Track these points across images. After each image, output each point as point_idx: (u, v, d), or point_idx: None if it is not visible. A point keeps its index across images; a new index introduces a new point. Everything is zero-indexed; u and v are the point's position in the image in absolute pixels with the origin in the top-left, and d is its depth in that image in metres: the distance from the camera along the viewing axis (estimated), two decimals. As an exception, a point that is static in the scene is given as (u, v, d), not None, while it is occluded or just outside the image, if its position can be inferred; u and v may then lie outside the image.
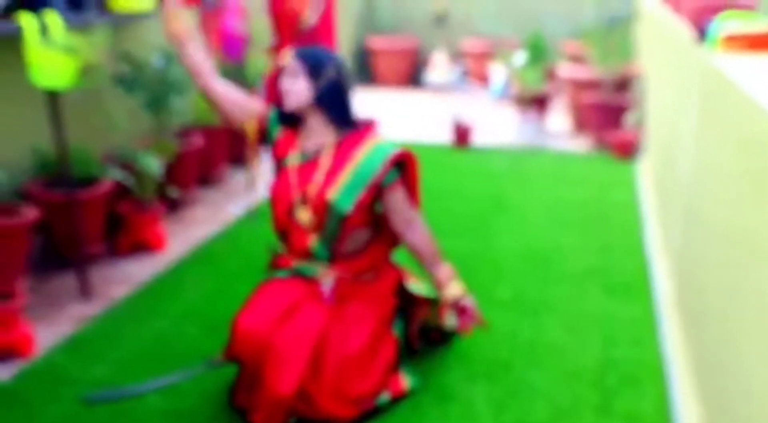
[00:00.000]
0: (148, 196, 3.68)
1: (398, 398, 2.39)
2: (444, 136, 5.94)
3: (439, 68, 8.03)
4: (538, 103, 6.19)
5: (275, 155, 2.49)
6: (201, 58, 2.46)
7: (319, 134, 2.41)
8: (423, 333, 2.67)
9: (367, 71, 8.50)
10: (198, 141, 4.33)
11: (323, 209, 2.35)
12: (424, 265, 2.45)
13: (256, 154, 2.58)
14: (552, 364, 2.63)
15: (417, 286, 2.60)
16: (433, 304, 2.60)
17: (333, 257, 2.41)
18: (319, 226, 2.38)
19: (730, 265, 1.85)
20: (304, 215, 2.38)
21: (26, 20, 2.73)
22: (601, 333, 2.84)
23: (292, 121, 2.46)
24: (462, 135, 5.70)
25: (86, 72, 2.95)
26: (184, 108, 4.23)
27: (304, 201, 2.37)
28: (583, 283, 3.28)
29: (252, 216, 2.65)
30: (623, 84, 5.82)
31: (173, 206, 4.15)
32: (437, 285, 2.44)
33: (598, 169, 5.11)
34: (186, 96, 4.11)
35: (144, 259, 3.57)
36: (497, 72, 7.36)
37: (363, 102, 7.40)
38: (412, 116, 6.87)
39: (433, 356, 2.66)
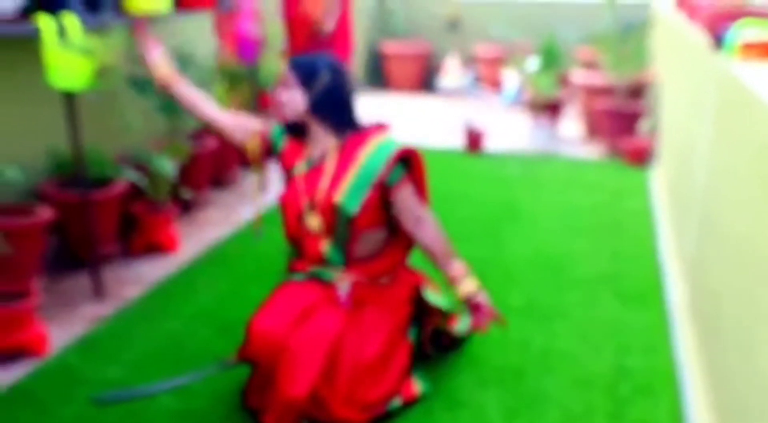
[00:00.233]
0: (162, 198, 3.69)
1: (409, 403, 2.39)
2: (456, 141, 5.93)
3: (452, 73, 8.03)
4: (550, 109, 6.18)
5: (283, 166, 2.50)
6: (192, 92, 2.55)
7: (323, 140, 2.42)
8: (434, 338, 2.66)
9: (380, 76, 8.52)
10: (211, 143, 4.35)
11: (331, 213, 2.35)
12: (437, 263, 2.42)
13: (260, 167, 2.59)
14: (564, 371, 2.61)
15: (434, 295, 2.58)
16: (445, 313, 2.59)
17: (347, 261, 2.41)
18: (329, 231, 2.38)
19: (747, 272, 1.84)
20: (314, 221, 2.39)
21: (44, 22, 2.75)
22: (614, 340, 2.83)
23: (299, 131, 2.47)
24: (474, 140, 5.69)
25: (102, 74, 2.96)
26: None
27: (313, 207, 2.38)
28: (595, 290, 3.26)
29: (257, 233, 2.67)
30: (637, 90, 5.80)
31: (186, 208, 4.17)
32: (450, 282, 2.41)
33: (610, 175, 5.09)
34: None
35: (157, 259, 3.58)
36: (510, 77, 7.35)
37: (375, 106, 7.41)
38: (424, 121, 6.87)
39: (445, 362, 2.65)
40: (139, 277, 3.38)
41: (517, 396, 2.46)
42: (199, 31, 4.76)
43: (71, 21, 2.83)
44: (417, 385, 2.43)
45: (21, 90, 3.26)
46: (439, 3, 8.40)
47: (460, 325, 2.68)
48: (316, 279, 2.41)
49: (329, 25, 4.35)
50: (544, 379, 2.56)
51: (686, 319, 2.82)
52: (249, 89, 4.65)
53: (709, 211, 2.54)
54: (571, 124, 6.58)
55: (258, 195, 2.69)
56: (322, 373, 2.19)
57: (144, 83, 3.79)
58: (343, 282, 2.38)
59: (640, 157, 5.29)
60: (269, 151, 2.53)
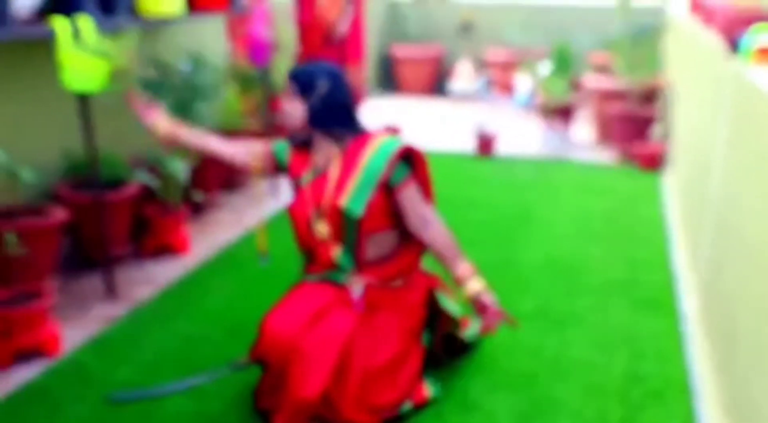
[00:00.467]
0: (174, 200, 3.71)
1: (420, 406, 2.38)
2: (467, 145, 5.93)
3: (464, 77, 8.03)
4: (562, 113, 6.16)
5: (291, 178, 2.52)
6: (195, 134, 2.64)
7: (327, 148, 2.43)
8: (445, 342, 2.65)
9: (392, 79, 8.52)
10: (223, 146, 4.36)
11: (338, 217, 2.35)
12: (444, 262, 2.40)
13: (263, 177, 2.62)
14: (576, 376, 2.60)
15: (447, 300, 2.57)
16: (457, 317, 2.59)
17: (358, 265, 2.40)
18: (338, 236, 2.38)
19: (763, 279, 1.82)
20: (322, 228, 2.39)
21: (59, 23, 2.77)
22: (627, 347, 2.81)
23: (305, 140, 2.48)
24: (485, 144, 5.68)
25: (116, 76, 2.98)
26: (209, 113, 4.25)
27: (320, 214, 2.38)
28: (608, 296, 3.25)
29: (262, 258, 2.71)
30: (650, 95, 5.77)
31: (197, 210, 4.19)
32: (457, 282, 2.38)
33: (623, 181, 5.07)
34: (212, 101, 4.14)
35: (168, 261, 3.59)
36: (522, 82, 7.34)
37: (386, 110, 7.42)
38: (435, 125, 6.86)
39: (456, 365, 2.65)
40: (151, 279, 3.39)
41: (528, 401, 2.44)
42: (212, 34, 4.78)
43: (86, 23, 2.85)
44: (428, 389, 2.42)
45: (36, 92, 3.28)
46: (451, 7, 8.41)
47: (471, 329, 2.67)
48: (330, 281, 2.41)
49: (342, 29, 4.37)
50: (556, 384, 2.55)
51: (700, 325, 2.80)
52: (260, 92, 4.66)
53: (724, 217, 2.52)
54: (583, 129, 6.56)
55: (261, 222, 2.70)
56: (334, 375, 2.19)
57: (157, 86, 3.81)
58: (357, 284, 2.38)
59: (653, 163, 5.27)
60: (276, 167, 2.56)
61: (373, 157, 2.35)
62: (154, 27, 4.06)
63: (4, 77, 3.12)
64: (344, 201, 2.33)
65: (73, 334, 2.85)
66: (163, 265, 3.55)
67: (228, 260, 3.60)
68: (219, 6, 4.03)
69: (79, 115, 3.08)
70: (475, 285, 2.35)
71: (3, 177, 2.91)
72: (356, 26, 4.67)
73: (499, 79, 7.98)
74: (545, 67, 6.43)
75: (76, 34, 2.82)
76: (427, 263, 2.71)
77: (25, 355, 2.65)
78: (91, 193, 3.13)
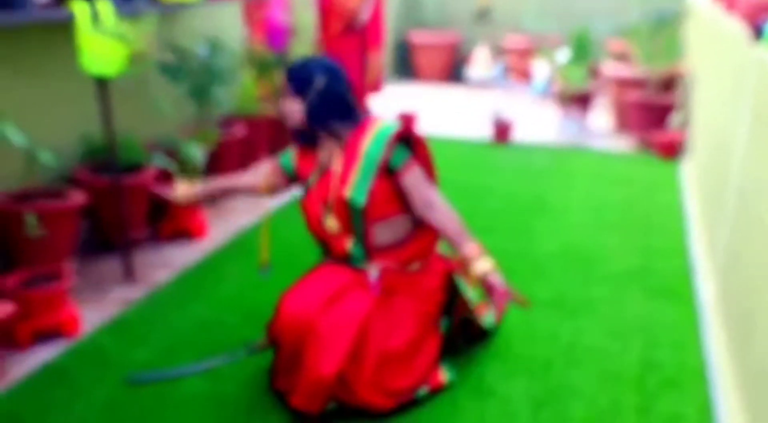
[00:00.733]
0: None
1: (436, 391, 2.39)
2: (484, 132, 5.90)
3: (481, 64, 7.98)
4: (580, 101, 6.12)
5: (301, 180, 2.53)
6: (216, 185, 2.70)
7: (329, 143, 2.43)
8: (462, 328, 2.66)
9: (409, 66, 8.49)
10: (240, 130, 4.38)
11: (344, 209, 2.36)
12: (451, 244, 2.38)
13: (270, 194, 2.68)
14: (591, 364, 2.60)
15: (466, 285, 2.57)
16: (474, 302, 2.58)
17: (369, 253, 2.40)
18: (348, 228, 2.39)
19: (784, 268, 1.80)
20: (332, 223, 2.40)
21: (78, 7, 2.78)
22: (642, 335, 2.80)
23: (311, 138, 2.48)
24: (502, 131, 5.66)
25: (135, 60, 2.99)
26: (226, 97, 4.27)
27: (329, 209, 2.39)
28: (624, 285, 3.23)
29: (263, 270, 2.75)
30: (669, 83, 5.71)
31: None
32: (464, 262, 2.37)
33: (641, 169, 5.03)
34: (229, 86, 4.15)
35: (185, 245, 3.62)
36: (540, 69, 7.29)
37: (403, 96, 7.39)
38: (452, 111, 6.84)
39: (472, 352, 2.65)
40: (168, 262, 3.42)
41: (543, 388, 2.45)
42: (230, 19, 4.77)
43: (105, 7, 2.85)
44: (444, 374, 2.43)
45: (54, 75, 3.30)
46: (468, -7, 8.35)
47: (488, 316, 2.67)
48: (348, 264, 2.42)
49: (364, 16, 4.35)
50: (571, 371, 2.55)
51: (717, 314, 2.78)
52: (277, 77, 4.66)
53: (743, 205, 2.49)
54: (601, 117, 6.51)
55: (265, 232, 2.72)
56: (350, 354, 2.20)
57: (175, 70, 3.82)
58: (373, 268, 2.39)
59: (671, 151, 5.22)
60: (287, 179, 2.58)
61: (372, 144, 2.34)
62: (172, 11, 4.07)
63: (24, 61, 3.14)
64: (348, 191, 2.33)
65: (91, 316, 2.88)
66: (179, 249, 3.58)
67: (244, 245, 3.62)
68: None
69: (97, 99, 3.10)
70: (482, 265, 2.31)
71: (22, 160, 2.93)
72: (377, 13, 4.66)
73: (516, 66, 7.92)
74: (563, 54, 6.37)
75: (95, 17, 2.83)
76: (444, 248, 2.71)
77: (44, 336, 2.68)
78: (109, 177, 3.15)
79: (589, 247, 3.65)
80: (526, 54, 7.76)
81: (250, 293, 3.09)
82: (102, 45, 2.82)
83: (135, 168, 3.45)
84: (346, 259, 2.42)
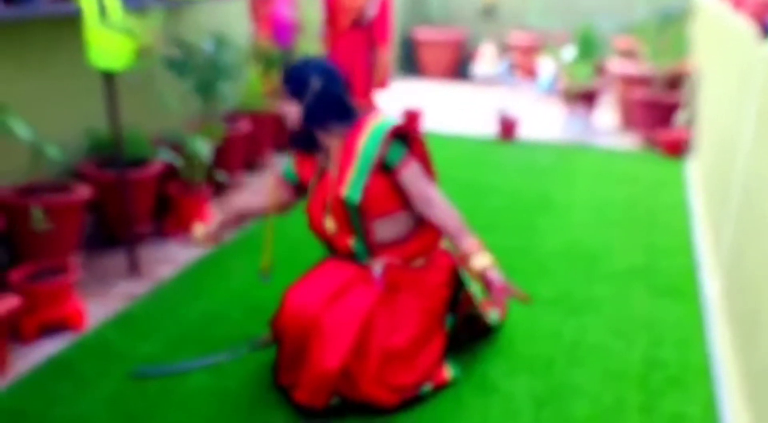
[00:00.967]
0: (197, 179, 3.73)
1: (440, 388, 2.39)
2: (489, 129, 5.90)
3: (486, 61, 7.97)
4: (586, 98, 6.10)
5: (305, 185, 2.54)
6: (229, 218, 2.64)
7: (327, 143, 2.44)
8: (467, 324, 2.66)
9: (414, 62, 8.48)
10: (245, 126, 4.38)
11: (341, 208, 2.36)
12: (451, 239, 2.38)
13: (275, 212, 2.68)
14: (595, 362, 2.60)
15: (471, 281, 2.57)
16: (479, 298, 2.59)
17: (371, 250, 2.41)
18: (347, 227, 2.39)
19: (789, 267, 1.80)
20: (330, 223, 2.41)
21: (85, 1, 2.78)
22: (646, 333, 2.80)
23: (310, 144, 2.48)
24: (507, 129, 5.65)
25: (141, 55, 2.99)
26: (232, 93, 4.27)
27: (328, 210, 2.40)
28: (628, 283, 3.23)
29: (264, 276, 2.74)
30: (675, 81, 5.70)
31: (219, 190, 4.21)
32: (463, 258, 2.37)
33: (646, 167, 5.02)
34: (234, 81, 4.15)
35: (190, 239, 3.62)
36: (545, 66, 7.27)
37: (408, 93, 7.39)
38: (457, 108, 6.83)
39: (476, 349, 2.65)
40: (173, 257, 3.43)
41: (547, 385, 2.45)
42: (236, 14, 4.78)
43: (112, 1, 2.86)
44: (448, 371, 2.43)
45: (61, 69, 3.31)
46: (474, -10, 8.34)
47: (493, 313, 2.68)
48: (352, 260, 2.43)
49: (371, 12, 4.35)
50: (575, 369, 2.55)
51: (721, 312, 2.78)
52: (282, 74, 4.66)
53: (749, 203, 2.49)
54: (607, 114, 6.50)
55: (268, 238, 2.72)
56: (354, 349, 2.21)
57: (181, 65, 3.82)
58: (377, 264, 2.39)
59: (677, 149, 5.21)
60: (294, 190, 2.58)
61: (367, 142, 2.34)
62: (179, 6, 4.07)
63: (30, 55, 3.15)
64: (344, 190, 2.33)
65: (96, 310, 2.89)
66: (184, 243, 3.58)
67: (249, 241, 3.63)
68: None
69: (103, 94, 3.10)
70: (481, 260, 2.30)
71: (28, 154, 2.94)
72: (384, 9, 4.66)
73: (521, 63, 7.91)
74: (569, 52, 6.36)
75: (103, 11, 2.83)
76: (448, 243, 2.71)
77: (49, 330, 2.69)
78: (115, 172, 3.16)
79: (593, 245, 3.64)
80: (531, 51, 7.75)
81: (255, 288, 3.10)
82: (109, 39, 2.83)
83: (141, 163, 3.45)
84: (350, 256, 2.43)
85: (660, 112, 5.50)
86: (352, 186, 2.32)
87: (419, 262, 2.44)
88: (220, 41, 3.97)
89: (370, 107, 5.09)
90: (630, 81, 5.89)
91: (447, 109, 6.74)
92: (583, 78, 6.06)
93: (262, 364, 2.52)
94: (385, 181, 2.36)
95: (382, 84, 5.03)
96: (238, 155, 4.36)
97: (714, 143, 3.85)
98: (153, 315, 2.86)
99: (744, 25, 3.13)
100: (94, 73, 3.08)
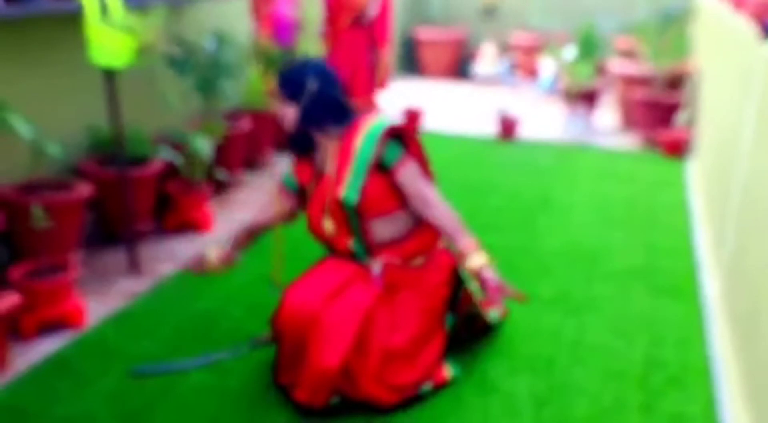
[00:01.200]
0: (197, 177, 3.73)
1: (440, 387, 2.39)
2: (489, 128, 5.90)
3: (487, 61, 7.97)
4: (586, 98, 6.10)
5: (305, 188, 2.54)
6: (241, 237, 2.63)
7: (323, 145, 2.44)
8: (467, 322, 2.66)
9: (414, 62, 8.48)
10: (245, 124, 4.38)
11: (339, 209, 2.37)
12: (448, 239, 2.37)
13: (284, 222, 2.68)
14: (595, 362, 2.60)
15: (471, 280, 2.56)
16: (479, 296, 2.59)
17: (370, 250, 2.41)
18: (346, 227, 2.40)
19: (790, 268, 1.80)
20: (328, 225, 2.41)
21: (87, -1, 2.78)
22: (647, 333, 2.80)
23: (308, 145, 2.47)
24: (508, 128, 5.65)
25: (142, 52, 2.99)
26: (233, 91, 4.27)
27: (327, 211, 2.40)
28: (628, 282, 3.23)
29: (276, 286, 2.74)
30: (675, 81, 5.70)
31: (219, 188, 4.21)
32: (460, 257, 2.37)
33: (646, 167, 5.02)
34: (235, 79, 4.15)
35: (190, 238, 3.62)
36: (546, 66, 7.27)
37: (408, 92, 7.38)
38: (457, 108, 6.83)
39: (476, 348, 2.65)
40: (173, 255, 3.43)
41: (547, 385, 2.45)
42: (236, 13, 4.77)
43: (113, -1, 2.86)
44: (448, 370, 2.43)
45: (62, 67, 3.30)
46: (475, -11, 8.34)
47: (493, 311, 2.67)
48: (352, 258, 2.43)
49: (372, 11, 4.35)
50: (575, 369, 2.55)
51: (722, 312, 2.78)
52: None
53: (750, 203, 2.49)
54: (607, 114, 6.49)
55: (278, 249, 2.72)
56: (354, 347, 2.21)
57: (181, 63, 3.82)
58: (375, 263, 2.39)
59: (677, 149, 5.21)
60: (296, 197, 2.58)
61: (363, 143, 2.34)
62: (180, 4, 4.07)
63: (32, 52, 3.15)
64: (341, 191, 2.34)
65: (96, 308, 2.88)
66: (185, 242, 3.59)
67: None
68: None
69: (104, 91, 3.10)
70: (477, 259, 2.30)
71: (29, 151, 2.94)
72: (384, 9, 4.66)
73: (522, 62, 7.91)
74: (570, 52, 6.36)
75: (104, 9, 2.83)
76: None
77: (49, 328, 2.69)
78: (116, 169, 3.15)
79: (594, 245, 3.64)
80: (532, 51, 7.74)
81: (255, 286, 3.10)
82: (110, 37, 2.83)
83: (141, 160, 3.45)
84: (349, 256, 2.43)
85: (660, 112, 5.50)
86: (349, 187, 2.32)
87: (419, 261, 2.44)
88: (221, 39, 3.97)
89: (371, 107, 5.09)
90: (630, 81, 5.89)
91: (447, 109, 6.74)
92: (584, 78, 6.06)
93: (262, 362, 2.52)
94: (383, 181, 2.36)
95: (382, 84, 5.03)
96: (239, 154, 4.36)
97: (714, 143, 3.85)
98: (153, 313, 2.86)
99: (744, 26, 3.13)
100: (95, 70, 3.08)
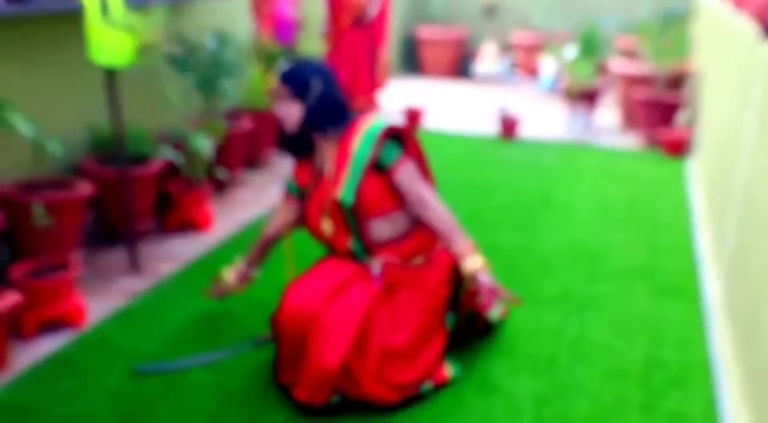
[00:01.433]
0: (198, 176, 3.73)
1: (440, 386, 2.39)
2: (490, 128, 5.89)
3: (488, 60, 7.96)
4: (587, 97, 6.10)
5: (304, 189, 2.54)
6: (254, 252, 2.71)
7: (323, 146, 2.44)
8: (468, 321, 2.66)
9: (415, 61, 8.47)
10: (246, 124, 4.38)
11: (336, 209, 2.37)
12: (444, 240, 2.39)
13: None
14: (596, 361, 2.59)
15: None
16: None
17: (368, 249, 2.41)
18: (344, 227, 2.40)
19: (792, 267, 1.80)
20: (327, 225, 2.41)
21: (88, -2, 2.78)
22: (648, 332, 2.80)
23: (305, 147, 2.47)
24: (508, 127, 5.65)
25: (143, 51, 2.99)
26: (233, 90, 4.28)
27: (325, 212, 2.41)
28: (630, 282, 3.23)
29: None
30: (676, 81, 5.69)
31: (219, 187, 4.21)
32: (456, 259, 2.38)
33: (647, 167, 5.01)
34: (236, 79, 4.15)
35: (191, 237, 3.62)
36: (547, 65, 7.27)
37: (409, 91, 7.38)
38: (458, 107, 6.83)
39: (477, 347, 2.65)
40: (174, 254, 3.42)
41: (548, 384, 2.45)
42: (237, 12, 4.77)
43: (114, -2, 2.85)
44: (448, 370, 2.43)
45: (63, 66, 3.30)
46: (476, -12, 8.33)
47: (494, 311, 2.67)
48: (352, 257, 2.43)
49: (372, 11, 4.35)
50: (576, 368, 2.55)
51: (723, 312, 2.78)
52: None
53: (751, 203, 2.49)
54: (608, 114, 6.49)
55: (288, 256, 2.73)
56: (354, 346, 2.21)
57: (182, 62, 3.82)
58: (375, 263, 2.39)
59: (678, 149, 5.21)
60: (301, 200, 2.57)
61: (360, 144, 2.35)
62: (181, 3, 4.06)
63: (33, 51, 3.15)
64: (338, 192, 2.34)
65: (97, 306, 2.88)
66: (185, 241, 3.58)
67: (250, 238, 3.61)
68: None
69: (105, 90, 3.10)
70: (472, 262, 2.32)
71: (30, 150, 2.94)
72: (383, 9, 4.67)
73: (523, 62, 7.91)
74: (571, 51, 6.35)
75: (105, 8, 2.83)
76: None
77: (50, 327, 2.69)
78: (116, 168, 3.15)
79: (595, 244, 3.64)
80: (533, 50, 7.74)
81: (256, 286, 3.08)
82: (111, 36, 2.82)
83: (142, 159, 3.45)
84: (349, 256, 2.43)
85: (662, 111, 5.49)
86: (346, 188, 2.34)
87: (418, 260, 2.45)
88: (222, 38, 3.97)
89: (371, 106, 5.10)
90: (632, 80, 5.88)
91: (448, 108, 6.73)
92: (585, 77, 6.06)
93: (263, 361, 2.52)
94: (381, 182, 2.37)
95: (380, 83, 5.04)
96: (239, 153, 4.36)
97: (716, 143, 3.84)
98: (153, 312, 2.86)
99: (746, 26, 3.13)
100: (96, 69, 3.08)
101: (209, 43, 3.95)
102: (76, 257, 3.04)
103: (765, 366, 1.95)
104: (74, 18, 3.12)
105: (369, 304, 2.27)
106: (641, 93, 5.65)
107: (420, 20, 8.47)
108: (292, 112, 2.38)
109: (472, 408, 2.31)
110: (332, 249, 2.49)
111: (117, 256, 3.36)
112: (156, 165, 3.46)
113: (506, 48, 8.18)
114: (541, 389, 2.42)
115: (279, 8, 4.72)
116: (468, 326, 2.65)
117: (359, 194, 2.33)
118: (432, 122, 6.04)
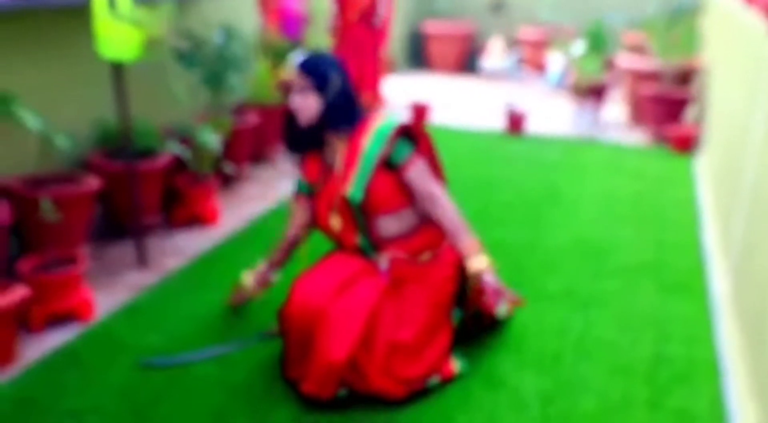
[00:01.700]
0: (205, 171, 3.73)
1: (447, 381, 2.39)
2: (497, 123, 5.88)
3: (495, 55, 7.94)
4: (595, 93, 6.08)
5: (312, 184, 2.54)
6: (274, 256, 2.68)
7: (334, 143, 2.44)
8: (474, 317, 2.66)
9: (422, 56, 8.46)
10: (253, 118, 4.38)
11: (345, 206, 2.38)
12: (450, 238, 2.39)
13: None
14: (602, 357, 2.59)
15: None
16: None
17: (376, 245, 2.42)
18: (352, 224, 2.40)
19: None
20: (336, 222, 2.42)
21: (96, -8, 2.78)
22: (654, 329, 2.80)
23: (314, 141, 2.46)
24: (515, 123, 5.64)
25: (150, 46, 2.99)
26: (240, 85, 4.28)
27: (334, 209, 2.41)
28: (636, 278, 3.22)
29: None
30: (684, 77, 5.67)
31: (226, 182, 4.21)
32: (461, 258, 2.39)
33: (654, 162, 5.00)
34: (243, 73, 4.15)
35: (198, 232, 3.63)
36: (554, 61, 7.24)
37: (416, 86, 7.37)
38: (465, 102, 6.81)
39: (483, 342, 2.65)
40: (181, 248, 3.43)
41: (554, 380, 2.45)
42: (244, 6, 4.77)
43: (122, -8, 2.86)
44: (455, 365, 2.43)
45: (71, 60, 3.31)
46: (483, -17, 8.30)
47: (501, 306, 2.67)
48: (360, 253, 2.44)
49: (382, 12, 4.36)
50: (582, 365, 2.55)
51: (730, 309, 2.77)
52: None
53: (759, 200, 2.48)
54: (616, 109, 6.47)
55: (303, 256, 2.74)
56: (361, 340, 2.21)
57: (189, 57, 3.82)
58: (383, 258, 2.39)
59: (686, 145, 5.19)
60: (311, 200, 2.57)
61: (371, 142, 2.35)
62: (188, -2, 4.07)
63: (40, 45, 3.15)
64: (347, 189, 2.35)
65: (104, 300, 2.90)
66: (192, 235, 3.59)
67: (256, 233, 3.63)
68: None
69: (112, 85, 3.10)
70: (477, 262, 2.33)
71: (38, 144, 2.95)
72: (388, 11, 4.68)
73: (530, 57, 7.88)
74: (578, 46, 6.33)
75: (112, 2, 2.83)
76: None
77: (58, 321, 2.70)
78: (124, 163, 3.16)
79: (602, 240, 3.63)
80: (540, 45, 7.71)
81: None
82: (118, 30, 2.83)
83: (149, 154, 3.46)
84: (356, 251, 2.44)
85: (669, 107, 5.47)
86: (355, 185, 2.34)
87: (426, 256, 2.45)
88: (229, 33, 3.97)
89: (377, 101, 5.10)
90: (639, 76, 5.86)
91: (455, 103, 6.72)
92: (593, 73, 6.04)
93: (270, 355, 2.53)
94: (391, 179, 2.37)
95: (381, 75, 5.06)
96: (246, 147, 4.36)
97: (724, 139, 3.83)
98: (161, 306, 2.87)
99: (755, 21, 3.11)
100: (103, 64, 3.08)
101: (216, 37, 3.95)
102: (84, 251, 3.06)
103: (772, 363, 1.95)
104: (81, 12, 3.13)
105: (376, 299, 2.27)
106: (649, 89, 5.62)
107: (427, 15, 8.45)
108: (308, 104, 2.36)
109: (478, 403, 2.31)
110: (340, 244, 2.50)
111: (124, 250, 3.37)
112: (163, 159, 3.47)
113: (513, 43, 8.16)
114: (546, 385, 2.41)
115: (286, 3, 4.72)
116: (475, 322, 2.65)
117: (368, 191, 2.34)
118: (439, 117, 6.03)
